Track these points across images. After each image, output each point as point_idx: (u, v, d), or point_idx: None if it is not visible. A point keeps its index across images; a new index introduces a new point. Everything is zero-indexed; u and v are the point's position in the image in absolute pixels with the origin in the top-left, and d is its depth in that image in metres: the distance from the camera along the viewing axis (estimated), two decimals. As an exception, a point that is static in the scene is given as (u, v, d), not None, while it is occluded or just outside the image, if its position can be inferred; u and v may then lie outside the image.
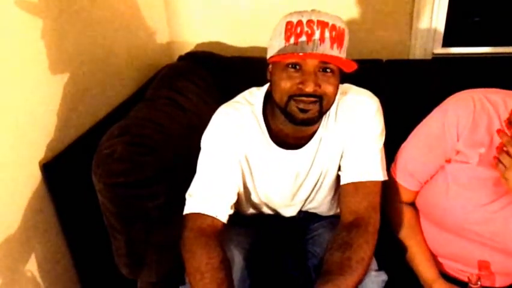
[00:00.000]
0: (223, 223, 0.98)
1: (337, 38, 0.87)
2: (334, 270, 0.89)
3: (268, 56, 0.95)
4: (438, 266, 1.09)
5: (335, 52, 0.87)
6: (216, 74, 1.63)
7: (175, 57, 1.78)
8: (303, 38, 0.86)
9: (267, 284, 1.12)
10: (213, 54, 1.73)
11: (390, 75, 1.56)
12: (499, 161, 0.90)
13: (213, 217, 0.96)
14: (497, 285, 1.06)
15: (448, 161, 1.02)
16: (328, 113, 1.00)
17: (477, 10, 2.43)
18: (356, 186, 0.98)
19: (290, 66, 0.89)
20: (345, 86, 1.04)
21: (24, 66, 1.10)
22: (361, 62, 1.61)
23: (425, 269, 1.07)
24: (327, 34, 0.86)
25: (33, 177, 1.15)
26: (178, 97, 1.44)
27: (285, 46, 0.88)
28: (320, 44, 0.86)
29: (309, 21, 0.86)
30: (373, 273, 0.96)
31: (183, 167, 1.06)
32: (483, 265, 1.03)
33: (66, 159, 1.19)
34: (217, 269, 0.90)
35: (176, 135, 1.27)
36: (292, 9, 0.92)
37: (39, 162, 1.16)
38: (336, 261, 0.90)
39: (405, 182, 1.10)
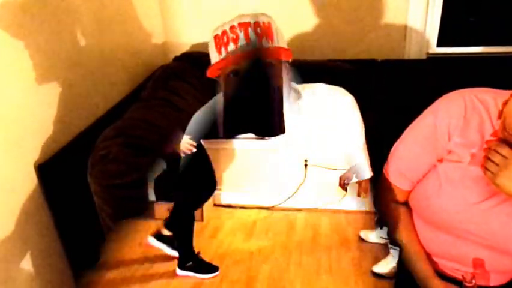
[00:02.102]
0: None
1: (264, 33, 0.90)
2: None
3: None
4: (433, 265, 1.10)
5: (265, 46, 0.90)
6: (212, 74, 1.63)
7: (171, 58, 1.78)
8: (231, 45, 0.90)
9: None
10: (208, 54, 1.72)
11: (385, 75, 1.57)
12: (486, 169, 0.90)
13: None
14: (491, 284, 1.07)
15: (440, 160, 1.02)
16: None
17: (471, 10, 2.45)
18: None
19: (231, 74, 0.92)
20: (316, 84, 1.06)
21: (19, 69, 1.10)
22: (356, 62, 1.64)
23: (420, 268, 1.08)
24: (251, 33, 0.89)
25: (28, 178, 1.15)
26: (173, 97, 1.44)
27: (220, 58, 0.92)
28: (247, 44, 0.89)
29: (232, 28, 0.90)
30: None
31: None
32: (477, 263, 1.03)
33: (61, 161, 1.19)
34: None
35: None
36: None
37: (35, 164, 1.16)
38: None
39: (398, 182, 1.10)
